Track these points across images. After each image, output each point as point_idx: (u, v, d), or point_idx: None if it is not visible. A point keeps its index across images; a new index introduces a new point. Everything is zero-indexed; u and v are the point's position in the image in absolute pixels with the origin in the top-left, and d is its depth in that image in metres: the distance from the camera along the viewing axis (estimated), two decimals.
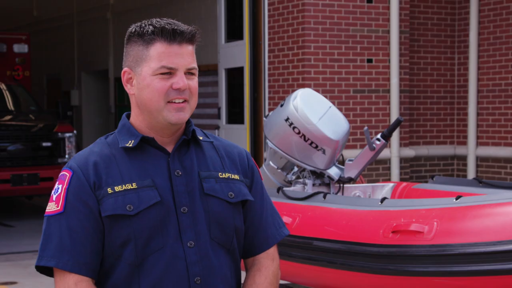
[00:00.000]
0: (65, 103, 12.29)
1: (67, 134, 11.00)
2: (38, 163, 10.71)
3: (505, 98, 8.95)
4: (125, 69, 2.28)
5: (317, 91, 7.46)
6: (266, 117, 5.90)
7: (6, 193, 10.60)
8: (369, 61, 8.76)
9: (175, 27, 2.22)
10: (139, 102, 2.25)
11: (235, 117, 9.95)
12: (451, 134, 9.64)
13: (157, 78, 2.21)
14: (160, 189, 2.21)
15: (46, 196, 11.48)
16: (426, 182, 7.78)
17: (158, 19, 2.25)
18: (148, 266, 2.18)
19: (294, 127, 5.48)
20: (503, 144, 8.97)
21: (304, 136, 5.48)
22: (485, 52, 9.14)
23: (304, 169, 5.75)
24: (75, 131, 11.30)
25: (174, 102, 2.21)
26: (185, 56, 2.22)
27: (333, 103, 6.77)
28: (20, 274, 7.50)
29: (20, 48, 14.36)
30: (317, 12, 8.52)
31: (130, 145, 2.24)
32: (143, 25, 2.24)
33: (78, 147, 11.43)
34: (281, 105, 5.64)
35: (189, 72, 2.23)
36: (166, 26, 2.21)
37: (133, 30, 2.26)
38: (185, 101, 2.23)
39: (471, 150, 9.27)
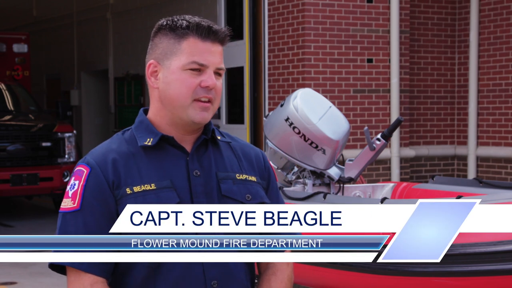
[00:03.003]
0: (65, 103, 12.31)
1: (67, 134, 11.00)
2: (37, 163, 10.71)
3: (506, 98, 8.95)
4: (151, 61, 2.22)
5: (317, 91, 7.45)
6: (266, 117, 5.89)
7: (6, 193, 10.60)
8: (369, 61, 8.75)
9: (211, 25, 2.18)
10: (163, 96, 2.20)
11: (235, 117, 9.94)
12: (451, 134, 9.63)
13: (186, 74, 2.16)
14: (178, 189, 2.16)
15: (46, 196, 11.54)
16: (427, 182, 7.78)
17: (190, 16, 2.22)
18: (165, 269, 2.13)
19: (294, 127, 5.48)
20: (504, 144, 8.96)
21: (304, 136, 5.47)
22: (486, 52, 9.14)
23: (304, 169, 5.74)
24: (74, 131, 11.30)
25: (200, 101, 2.17)
26: (216, 54, 2.18)
27: (333, 103, 6.76)
28: (20, 274, 7.48)
29: (19, 48, 14.35)
30: (317, 12, 8.51)
31: (149, 144, 2.19)
32: (176, 19, 2.20)
33: (78, 147, 11.42)
34: (281, 105, 5.63)
35: (217, 72, 2.19)
36: (202, 23, 2.18)
37: (164, 23, 2.21)
38: (209, 101, 2.18)
39: (472, 150, 9.27)
